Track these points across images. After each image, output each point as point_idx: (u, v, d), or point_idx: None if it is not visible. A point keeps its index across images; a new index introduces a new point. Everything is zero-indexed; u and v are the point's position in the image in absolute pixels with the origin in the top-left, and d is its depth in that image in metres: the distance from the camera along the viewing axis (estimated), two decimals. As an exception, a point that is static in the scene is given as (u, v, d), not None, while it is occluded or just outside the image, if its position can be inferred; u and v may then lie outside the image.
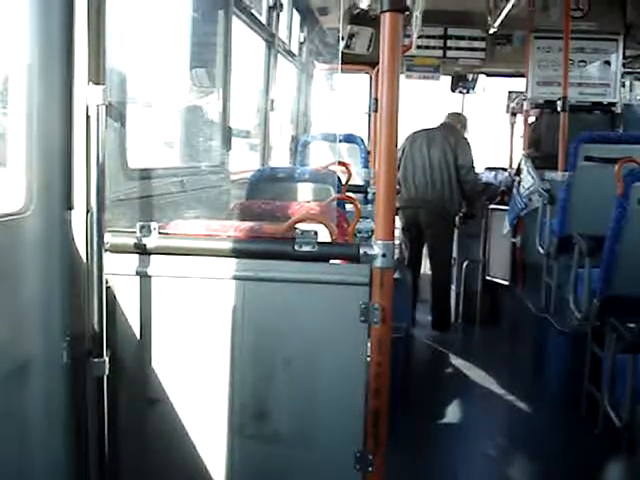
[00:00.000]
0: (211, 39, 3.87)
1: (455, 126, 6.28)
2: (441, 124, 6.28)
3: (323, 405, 2.19)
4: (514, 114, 7.30)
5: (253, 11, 4.49)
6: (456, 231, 6.38)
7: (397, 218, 5.85)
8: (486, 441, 3.98)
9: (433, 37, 6.62)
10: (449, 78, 7.29)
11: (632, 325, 3.22)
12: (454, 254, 6.43)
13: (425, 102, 6.74)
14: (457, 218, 6.28)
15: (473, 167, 6.15)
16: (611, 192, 3.73)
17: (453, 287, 6.44)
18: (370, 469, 2.14)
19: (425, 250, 6.36)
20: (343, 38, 6.08)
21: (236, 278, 2.16)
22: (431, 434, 4.05)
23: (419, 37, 5.36)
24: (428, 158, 6.04)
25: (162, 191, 2.96)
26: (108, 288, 2.17)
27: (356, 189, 4.69)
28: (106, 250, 2.15)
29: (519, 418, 4.39)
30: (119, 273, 2.19)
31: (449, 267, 6.36)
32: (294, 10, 5.69)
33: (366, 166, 5.51)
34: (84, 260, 2.14)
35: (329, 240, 2.31)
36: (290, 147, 6.20)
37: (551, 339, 4.65)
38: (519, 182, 5.54)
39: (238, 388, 2.20)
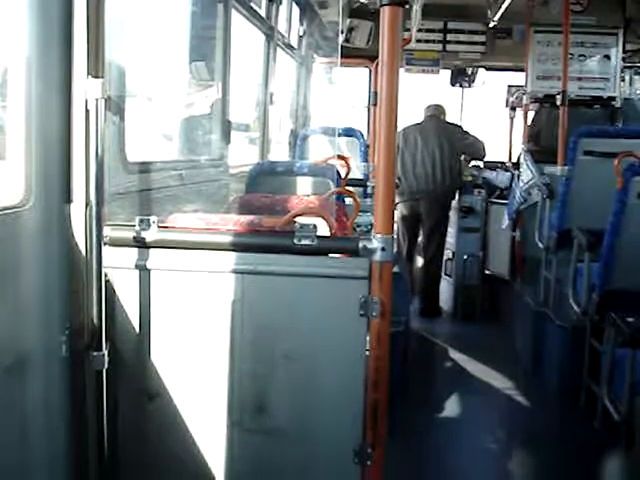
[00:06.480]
0: (210, 32, 3.86)
1: (440, 116, 6.34)
2: (428, 116, 6.30)
3: (322, 399, 2.19)
4: (513, 108, 7.30)
5: (252, 4, 4.47)
6: (455, 225, 6.38)
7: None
8: (485, 435, 3.98)
9: (433, 31, 6.62)
10: (449, 72, 7.29)
11: (631, 319, 3.22)
12: (453, 248, 6.43)
13: (425, 96, 6.73)
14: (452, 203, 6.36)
15: (476, 145, 6.25)
16: (610, 186, 3.73)
17: (451, 281, 6.45)
18: (369, 462, 2.14)
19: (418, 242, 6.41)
20: (342, 31, 6.06)
21: (235, 272, 2.16)
22: (430, 427, 4.05)
23: (419, 31, 5.36)
24: (425, 150, 6.10)
25: (161, 185, 2.96)
26: (107, 282, 2.17)
27: (355, 183, 4.69)
28: (105, 243, 2.15)
29: (518, 412, 4.39)
30: (118, 267, 2.19)
31: (441, 257, 6.41)
32: (293, 3, 5.68)
33: (365, 160, 5.51)
34: (83, 254, 2.14)
35: (328, 234, 2.31)
36: (289, 141, 6.19)
37: (550, 333, 4.65)
38: (518, 176, 5.55)
39: (237, 382, 2.20)
